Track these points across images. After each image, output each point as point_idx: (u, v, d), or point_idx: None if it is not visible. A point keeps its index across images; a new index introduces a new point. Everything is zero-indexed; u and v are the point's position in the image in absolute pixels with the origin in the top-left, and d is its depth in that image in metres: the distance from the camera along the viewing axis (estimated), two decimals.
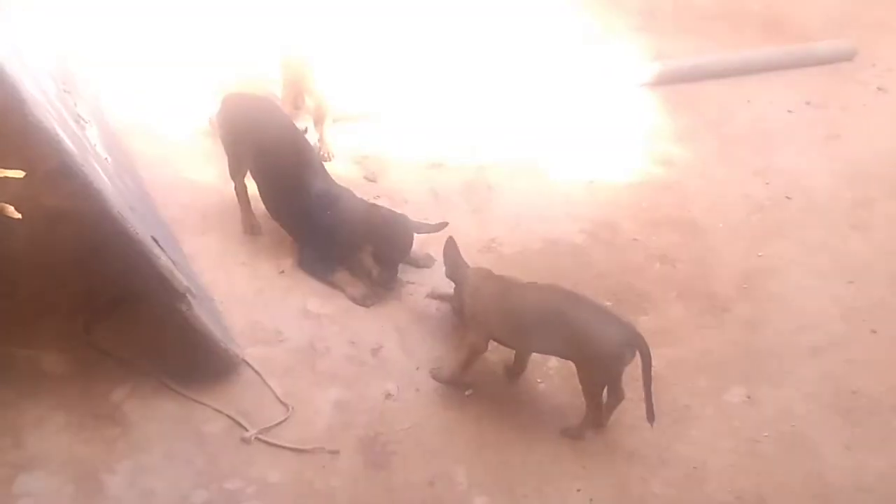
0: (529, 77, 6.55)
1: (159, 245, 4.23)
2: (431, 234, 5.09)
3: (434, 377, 4.66)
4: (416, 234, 5.07)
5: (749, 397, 4.65)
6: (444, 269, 4.80)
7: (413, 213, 5.16)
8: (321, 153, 5.69)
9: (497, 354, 4.72)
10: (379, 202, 5.32)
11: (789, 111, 6.48)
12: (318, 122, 5.80)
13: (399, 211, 5.15)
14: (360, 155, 5.87)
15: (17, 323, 4.68)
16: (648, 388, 4.26)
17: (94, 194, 3.90)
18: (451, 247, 4.76)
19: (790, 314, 5.08)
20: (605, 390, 4.35)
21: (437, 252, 5.09)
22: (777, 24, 7.19)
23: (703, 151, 6.13)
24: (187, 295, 4.20)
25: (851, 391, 4.71)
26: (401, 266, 5.13)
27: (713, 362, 4.82)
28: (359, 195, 5.22)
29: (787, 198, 5.79)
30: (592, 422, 4.40)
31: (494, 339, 4.54)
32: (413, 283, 5.14)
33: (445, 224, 5.04)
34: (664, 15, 7.24)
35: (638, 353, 4.24)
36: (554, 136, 6.20)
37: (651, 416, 4.29)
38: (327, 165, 5.44)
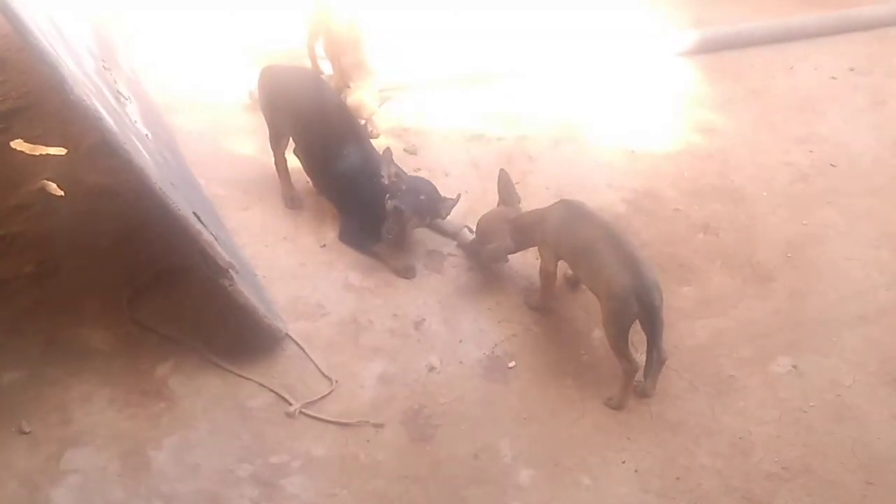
0: (568, 46, 6.50)
1: (201, 221, 4.23)
2: (472, 207, 5.08)
3: (528, 305, 4.84)
4: (451, 211, 5.07)
5: (795, 367, 4.60)
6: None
7: (454, 186, 5.17)
8: (368, 130, 5.65)
9: (540, 326, 4.72)
10: (420, 175, 5.29)
11: (833, 78, 6.39)
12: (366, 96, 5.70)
13: (440, 185, 5.13)
14: (400, 128, 5.85)
15: (61, 300, 4.72)
16: (650, 353, 4.30)
17: (136, 171, 3.90)
18: (505, 177, 4.96)
19: (835, 283, 5.02)
20: (646, 350, 4.34)
21: (474, 224, 5.11)
22: None
23: (745, 119, 6.06)
24: (230, 270, 4.21)
25: None
26: (441, 239, 5.13)
27: (758, 332, 4.77)
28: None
29: (832, 165, 5.72)
30: (627, 381, 4.37)
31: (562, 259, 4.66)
32: (454, 255, 5.13)
33: (459, 196, 5.09)
34: None
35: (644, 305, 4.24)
36: (594, 105, 6.15)
37: (651, 389, 4.37)
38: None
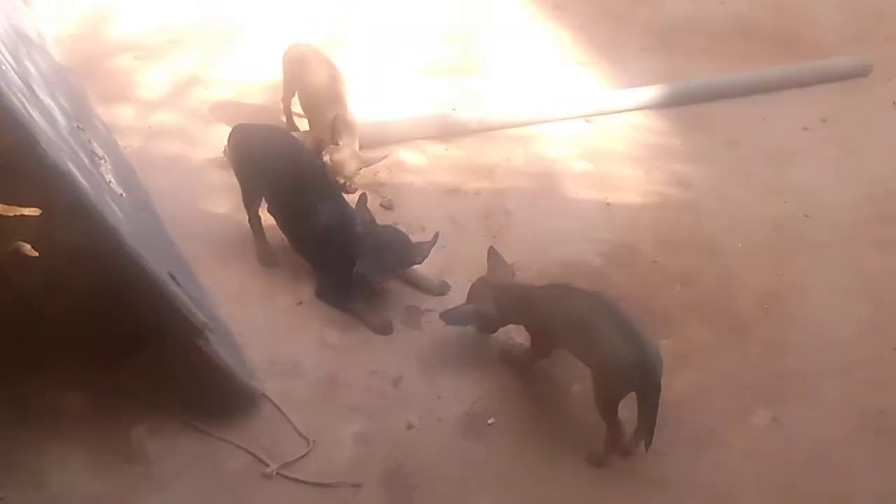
0: (541, 99, 6.52)
1: (176, 280, 4.21)
2: (448, 262, 5.07)
3: (503, 360, 4.80)
4: (426, 259, 5.07)
5: (775, 419, 4.60)
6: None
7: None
8: (344, 185, 5.64)
9: (518, 381, 4.70)
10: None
11: (805, 128, 6.42)
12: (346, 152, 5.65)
13: (416, 239, 5.14)
14: (376, 182, 5.84)
15: (36, 362, 4.67)
16: (646, 420, 4.24)
17: (110, 232, 3.88)
18: (494, 254, 4.90)
19: (813, 333, 5.03)
20: (638, 415, 4.30)
21: (451, 279, 5.15)
22: (790, 41, 7.13)
23: (720, 171, 6.08)
24: (205, 331, 4.18)
25: (878, 411, 4.65)
26: (419, 295, 5.13)
27: (737, 384, 4.77)
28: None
29: (806, 216, 5.74)
30: (613, 445, 4.34)
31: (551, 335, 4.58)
32: (431, 310, 5.10)
33: (437, 235, 5.07)
34: (676, 34, 7.19)
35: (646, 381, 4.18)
36: (570, 158, 6.16)
37: (648, 444, 4.28)
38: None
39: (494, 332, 4.88)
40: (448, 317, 4.75)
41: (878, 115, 6.55)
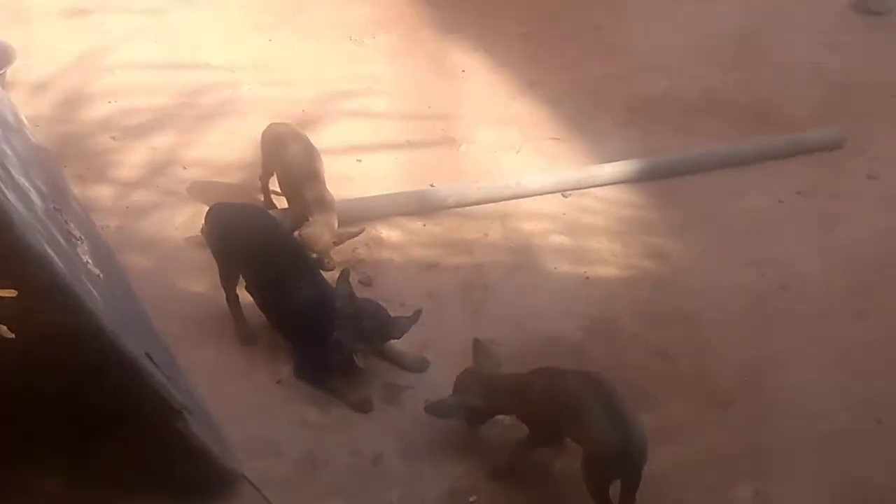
0: (519, 174, 6.55)
1: (154, 361, 4.18)
2: (428, 338, 5.06)
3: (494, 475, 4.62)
4: (405, 334, 5.03)
5: (757, 493, 4.57)
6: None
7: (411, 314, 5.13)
8: (323, 262, 5.65)
9: (499, 458, 4.66)
10: None
11: (781, 201, 6.47)
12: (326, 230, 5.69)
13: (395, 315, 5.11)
14: (354, 259, 5.83)
15: (12, 445, 4.61)
16: (627, 497, 4.19)
17: (86, 313, 3.86)
18: (479, 345, 4.83)
19: (794, 406, 5.02)
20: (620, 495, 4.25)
21: (431, 355, 5.15)
22: (764, 115, 7.23)
23: (697, 244, 6.11)
24: (183, 412, 4.14)
25: (861, 483, 4.64)
26: (398, 371, 5.11)
27: (719, 459, 4.74)
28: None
29: (784, 288, 5.76)
30: None
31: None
32: (411, 387, 5.07)
33: (419, 313, 5.03)
34: (650, 110, 7.27)
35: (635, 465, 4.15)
36: (547, 232, 6.19)
37: None
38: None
39: (483, 423, 4.79)
40: (433, 409, 4.68)
41: (853, 187, 6.62)
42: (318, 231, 5.58)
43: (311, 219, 5.61)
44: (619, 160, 6.65)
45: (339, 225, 5.70)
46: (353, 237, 5.76)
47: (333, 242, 5.66)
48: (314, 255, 5.57)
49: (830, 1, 8.60)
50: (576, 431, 4.35)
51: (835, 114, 7.23)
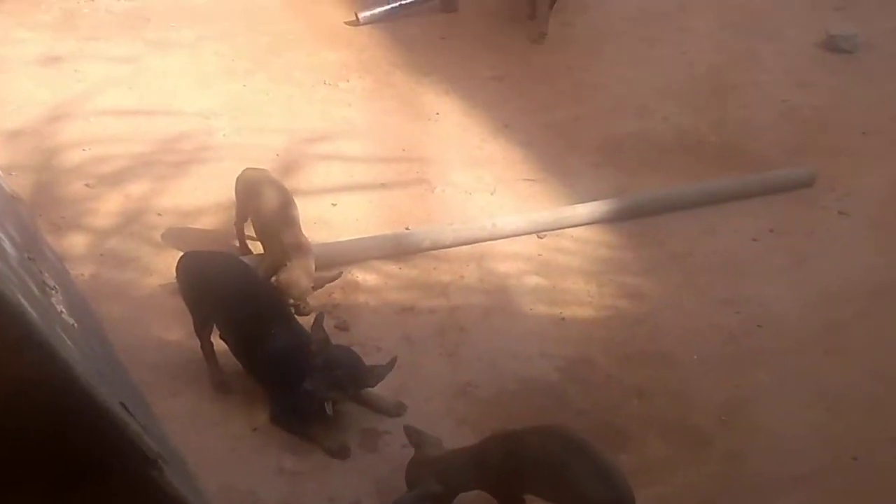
0: (493, 215, 6.57)
1: (128, 410, 4.13)
2: (404, 382, 5.05)
3: None
4: (381, 381, 5.00)
5: None
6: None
7: (386, 361, 5.12)
8: (299, 307, 5.64)
9: (477, 501, 4.64)
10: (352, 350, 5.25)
11: (754, 239, 6.51)
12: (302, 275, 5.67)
13: (372, 360, 5.11)
14: (330, 304, 5.83)
15: None
16: None
17: (60, 364, 3.80)
18: (410, 430, 4.73)
19: (770, 444, 5.03)
20: None
21: (408, 399, 5.15)
22: (734, 154, 7.28)
23: (671, 283, 6.14)
24: (159, 461, 4.08)
25: None
26: (375, 416, 5.09)
27: (697, 498, 4.75)
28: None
29: (759, 326, 5.79)
30: None
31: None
32: (388, 432, 5.06)
33: (394, 360, 4.99)
34: (623, 150, 7.32)
35: None
36: (522, 274, 6.20)
37: None
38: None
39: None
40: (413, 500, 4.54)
41: (825, 224, 6.66)
42: (296, 276, 5.58)
43: (288, 264, 5.61)
44: (592, 200, 6.68)
45: (316, 269, 5.69)
46: (332, 281, 5.77)
47: (312, 287, 5.66)
48: (291, 301, 5.57)
49: (800, 40, 8.67)
50: (556, 492, 4.25)
51: (805, 152, 7.29)
